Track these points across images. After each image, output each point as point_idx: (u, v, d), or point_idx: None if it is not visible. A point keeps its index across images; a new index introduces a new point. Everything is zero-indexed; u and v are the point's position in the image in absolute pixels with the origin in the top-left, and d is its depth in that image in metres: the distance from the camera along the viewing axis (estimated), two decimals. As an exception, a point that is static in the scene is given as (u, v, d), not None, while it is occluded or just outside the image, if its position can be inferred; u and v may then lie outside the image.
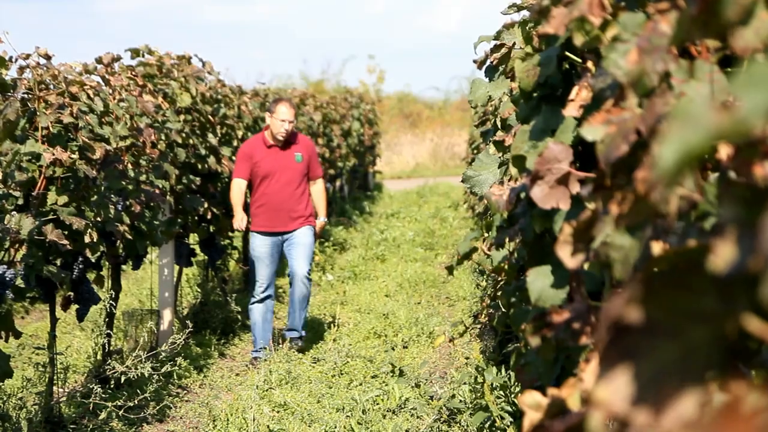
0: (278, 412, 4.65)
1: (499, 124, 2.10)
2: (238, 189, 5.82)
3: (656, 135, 0.88)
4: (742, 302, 0.59)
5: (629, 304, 0.60)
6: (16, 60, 3.95)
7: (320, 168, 6.14)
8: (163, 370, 4.84)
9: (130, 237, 4.46)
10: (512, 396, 3.75)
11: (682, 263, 0.68)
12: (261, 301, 5.79)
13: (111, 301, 4.82)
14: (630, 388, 0.58)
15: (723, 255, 0.60)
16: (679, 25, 0.71)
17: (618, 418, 0.57)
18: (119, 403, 4.37)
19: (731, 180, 0.72)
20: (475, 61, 2.61)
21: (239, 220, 5.74)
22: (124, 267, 5.25)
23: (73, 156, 3.94)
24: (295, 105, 6.12)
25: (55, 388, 4.32)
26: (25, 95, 3.97)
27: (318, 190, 6.08)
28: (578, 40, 1.16)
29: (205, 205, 5.88)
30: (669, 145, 0.61)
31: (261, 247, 5.81)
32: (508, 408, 3.75)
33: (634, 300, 0.60)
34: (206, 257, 6.63)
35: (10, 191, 3.65)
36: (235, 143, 6.65)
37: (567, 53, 1.39)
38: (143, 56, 5.50)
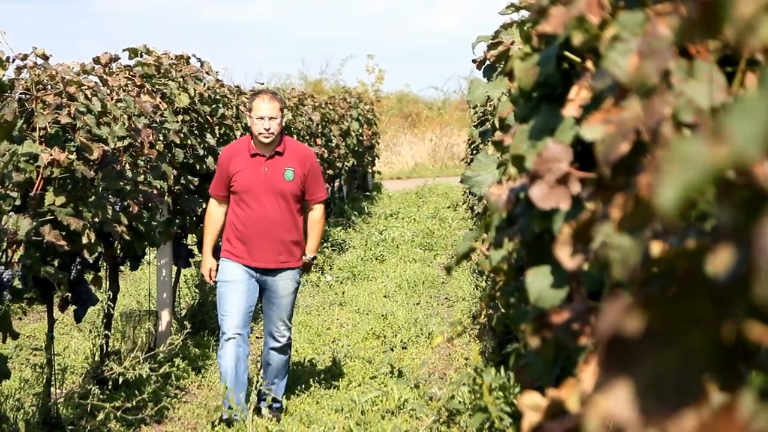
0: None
1: (497, 124, 2.10)
2: (211, 216, 4.60)
3: (656, 136, 0.87)
4: (739, 306, 0.58)
5: (626, 313, 0.59)
6: (14, 60, 3.94)
7: (323, 189, 4.64)
8: (161, 371, 4.84)
9: (128, 238, 4.45)
10: (512, 397, 3.74)
11: (681, 265, 0.67)
12: (231, 339, 4.39)
13: (109, 302, 4.81)
14: (629, 397, 0.57)
15: (720, 258, 0.60)
16: (680, 29, 0.70)
17: (617, 425, 0.57)
18: (117, 404, 4.36)
19: (731, 181, 0.71)
20: (474, 61, 2.61)
21: (206, 269, 4.53)
22: (122, 268, 5.24)
23: (70, 156, 3.93)
24: (281, 98, 4.62)
25: (52, 389, 4.31)
26: (23, 96, 3.96)
27: (314, 218, 4.63)
28: (577, 39, 1.15)
29: (204, 206, 5.87)
30: (668, 187, 0.61)
31: (232, 270, 4.46)
32: (508, 409, 3.74)
33: (631, 309, 0.59)
34: (205, 258, 6.62)
35: (8, 192, 3.64)
36: (233, 144, 6.62)
37: (566, 53, 1.39)
38: (141, 56, 5.50)
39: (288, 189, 4.46)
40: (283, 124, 4.52)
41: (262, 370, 4.63)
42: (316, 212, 4.64)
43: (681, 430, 0.55)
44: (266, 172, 4.46)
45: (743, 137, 0.57)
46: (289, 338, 4.59)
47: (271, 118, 4.42)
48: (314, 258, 4.73)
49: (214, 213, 4.61)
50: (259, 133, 4.43)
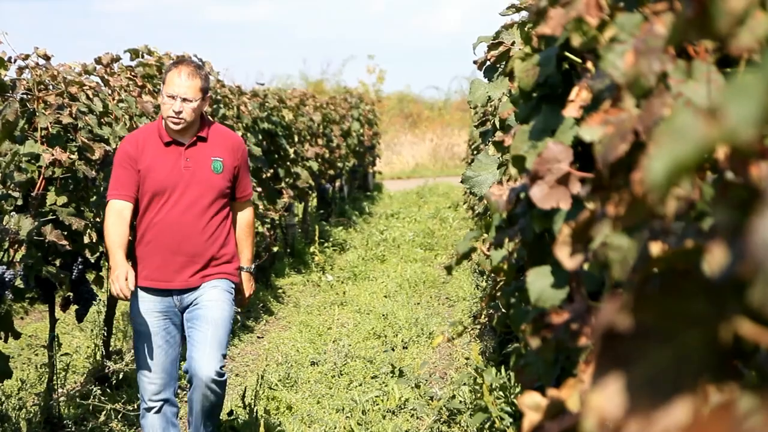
0: (278, 412, 4.65)
1: (498, 124, 2.11)
2: (114, 222, 3.32)
3: (653, 136, 0.88)
4: (735, 305, 0.59)
5: (621, 311, 0.60)
6: (15, 60, 3.95)
7: (250, 184, 3.63)
8: (162, 370, 4.84)
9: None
10: (512, 397, 3.75)
11: (679, 265, 0.68)
12: (154, 409, 3.39)
13: (110, 301, 4.82)
14: (624, 394, 0.58)
15: (717, 257, 0.60)
16: (675, 27, 0.71)
17: (612, 424, 0.58)
18: (119, 404, 4.36)
19: (727, 181, 0.72)
20: (475, 62, 2.62)
21: (121, 278, 3.14)
22: (123, 267, 5.24)
23: (72, 156, 3.94)
24: (207, 76, 3.47)
25: (54, 388, 4.32)
26: (24, 96, 3.97)
27: (247, 221, 3.62)
28: (576, 40, 1.16)
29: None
30: (658, 158, 0.62)
31: (145, 315, 3.36)
32: (508, 409, 3.74)
33: (626, 307, 0.60)
34: (206, 258, 6.59)
35: (10, 192, 3.65)
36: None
37: (566, 53, 1.39)
38: (142, 56, 5.50)
39: (217, 184, 3.41)
40: (203, 110, 3.45)
41: (187, 414, 3.47)
42: (247, 213, 3.62)
43: (675, 427, 0.55)
44: (188, 163, 3.39)
45: (737, 116, 0.57)
46: (222, 373, 3.30)
47: (184, 100, 3.32)
48: (250, 269, 3.65)
49: (118, 212, 3.34)
50: (167, 116, 3.34)
